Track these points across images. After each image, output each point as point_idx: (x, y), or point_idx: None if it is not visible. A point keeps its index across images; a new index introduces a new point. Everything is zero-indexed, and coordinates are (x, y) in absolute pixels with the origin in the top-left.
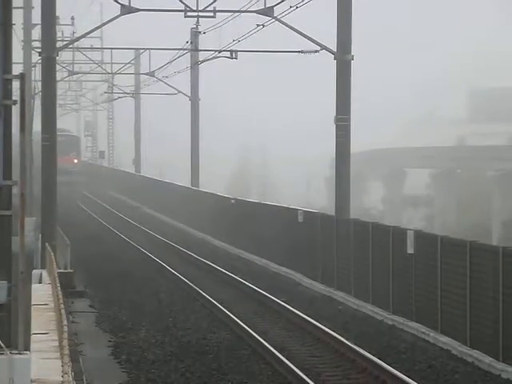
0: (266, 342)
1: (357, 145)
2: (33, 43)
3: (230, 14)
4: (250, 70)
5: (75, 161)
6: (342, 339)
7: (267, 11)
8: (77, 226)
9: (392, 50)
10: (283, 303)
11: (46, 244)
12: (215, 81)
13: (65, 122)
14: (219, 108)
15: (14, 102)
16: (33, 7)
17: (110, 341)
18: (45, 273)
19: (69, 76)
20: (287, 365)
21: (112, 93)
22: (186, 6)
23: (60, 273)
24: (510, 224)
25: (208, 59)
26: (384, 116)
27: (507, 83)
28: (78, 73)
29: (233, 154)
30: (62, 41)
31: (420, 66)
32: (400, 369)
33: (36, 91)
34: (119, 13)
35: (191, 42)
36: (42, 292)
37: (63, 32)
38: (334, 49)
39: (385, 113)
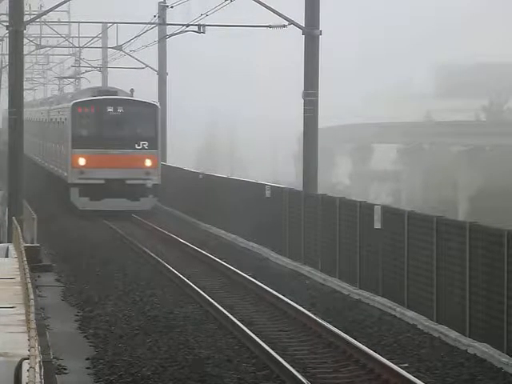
0: (233, 316)
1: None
2: (0, 17)
3: None
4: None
5: (149, 163)
6: (309, 313)
7: None
8: (41, 201)
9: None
10: (250, 278)
11: (13, 218)
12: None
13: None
14: None
15: None
16: None
17: (76, 315)
18: (11, 247)
19: (36, 50)
20: (254, 339)
21: (79, 67)
22: None
23: (26, 247)
24: (476, 199)
25: (175, 33)
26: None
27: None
28: (45, 46)
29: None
30: (30, 14)
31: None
32: (366, 343)
33: (3, 65)
34: None
35: (159, 16)
36: (9, 266)
37: (30, 6)
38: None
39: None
